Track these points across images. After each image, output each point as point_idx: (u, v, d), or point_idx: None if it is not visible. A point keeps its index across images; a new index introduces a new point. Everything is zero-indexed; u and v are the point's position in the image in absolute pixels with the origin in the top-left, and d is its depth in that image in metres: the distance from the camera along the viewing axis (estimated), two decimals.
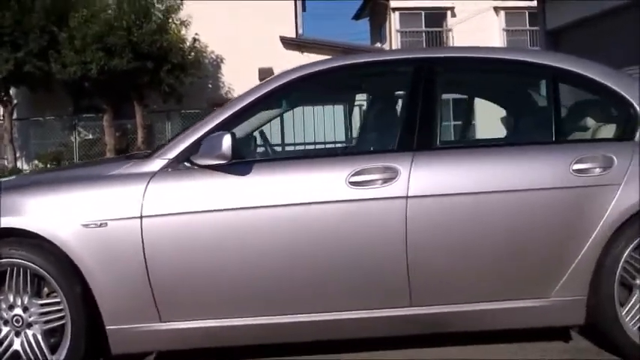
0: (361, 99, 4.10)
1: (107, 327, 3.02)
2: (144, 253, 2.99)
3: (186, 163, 3.10)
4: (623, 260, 3.12)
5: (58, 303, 3.03)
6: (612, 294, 3.12)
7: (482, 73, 3.67)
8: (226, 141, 2.95)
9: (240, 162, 3.06)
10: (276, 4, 17.58)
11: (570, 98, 3.60)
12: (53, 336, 3.07)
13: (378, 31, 28.72)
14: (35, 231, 3.00)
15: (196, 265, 3.03)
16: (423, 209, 3.05)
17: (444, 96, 3.59)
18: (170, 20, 14.98)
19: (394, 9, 25.50)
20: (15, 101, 15.84)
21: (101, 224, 3.00)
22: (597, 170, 3.13)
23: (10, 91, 15.76)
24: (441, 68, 3.38)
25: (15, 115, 16.44)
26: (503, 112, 3.97)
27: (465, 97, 3.97)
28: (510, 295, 3.14)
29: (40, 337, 3.04)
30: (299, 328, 3.11)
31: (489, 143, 3.47)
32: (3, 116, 15.53)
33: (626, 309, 3.17)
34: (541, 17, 12.05)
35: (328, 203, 3.04)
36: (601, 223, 3.09)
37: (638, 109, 3.29)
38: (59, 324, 3.04)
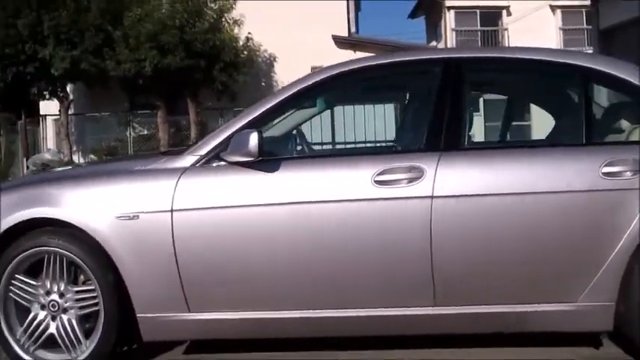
0: (395, 98, 4.10)
1: (138, 315, 3.12)
2: (174, 246, 3.08)
3: (217, 160, 3.17)
4: None
5: (92, 290, 3.15)
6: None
7: (511, 74, 3.64)
8: (253, 139, 3.02)
9: (269, 159, 3.12)
10: (329, 4, 17.64)
11: (606, 100, 3.53)
12: (87, 322, 3.19)
13: (433, 29, 28.49)
14: (71, 221, 3.13)
15: (223, 258, 3.11)
16: (448, 209, 3.05)
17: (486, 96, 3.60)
18: (223, 19, 15.20)
19: (449, 7, 25.26)
20: (71, 97, 16.34)
21: (133, 217, 3.10)
22: (628, 174, 3.07)
23: (68, 88, 16.26)
24: (469, 68, 3.37)
25: (72, 111, 16.96)
26: (539, 115, 3.92)
27: (501, 97, 3.94)
28: (536, 298, 3.10)
29: (74, 322, 3.17)
30: (325, 324, 3.16)
31: (517, 144, 3.44)
32: (60, 111, 16.02)
33: None
34: (594, 16, 11.82)
35: (353, 201, 3.07)
36: (631, 227, 3.02)
37: None
38: (93, 310, 3.16)
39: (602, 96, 3.30)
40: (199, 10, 14.54)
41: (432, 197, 3.04)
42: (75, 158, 16.42)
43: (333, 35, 17.28)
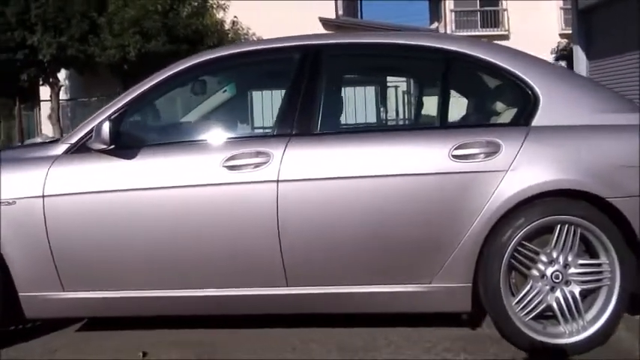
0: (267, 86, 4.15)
1: (20, 294, 3.30)
2: (46, 229, 3.25)
3: (84, 149, 3.32)
4: (511, 249, 3.10)
5: None
6: (497, 283, 3.10)
7: (371, 59, 3.66)
8: (105, 128, 3.19)
9: (129, 146, 3.28)
10: None
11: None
12: None
13: (435, 11, 28.30)
14: None
15: (89, 241, 3.29)
16: (293, 193, 3.13)
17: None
18: (207, 4, 15.21)
19: None
20: (61, 83, 16.51)
21: (12, 202, 3.28)
22: (481, 156, 3.09)
23: (60, 75, 16.42)
24: (328, 55, 3.42)
25: (67, 96, 17.14)
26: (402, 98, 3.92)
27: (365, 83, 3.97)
28: (389, 279, 3.17)
29: None
30: (185, 303, 3.31)
31: (370, 128, 3.45)
32: (50, 97, 16.21)
33: (518, 299, 3.13)
34: None
35: (204, 186, 3.20)
36: (483, 210, 3.06)
37: (538, 93, 3.21)
38: None
39: (468, 79, 3.29)
40: None
41: (277, 181, 3.10)
42: None
43: (320, 17, 17.24)
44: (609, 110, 3.24)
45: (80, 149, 3.33)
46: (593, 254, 3.15)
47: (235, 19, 15.94)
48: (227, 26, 15.95)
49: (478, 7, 24.78)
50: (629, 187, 3.06)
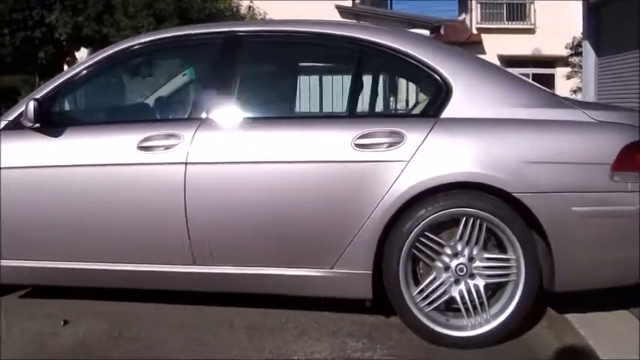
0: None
1: None
2: None
3: (20, 126, 3.45)
4: (412, 239, 3.10)
5: None
6: (396, 272, 3.12)
7: (285, 47, 3.68)
8: (30, 107, 3.32)
9: (58, 125, 3.42)
10: None
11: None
12: None
13: (464, 2, 27.94)
14: None
15: (22, 212, 3.43)
16: (200, 175, 3.19)
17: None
18: None
19: None
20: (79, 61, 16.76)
21: None
22: (384, 146, 3.10)
23: (80, 53, 16.65)
24: (247, 42, 3.46)
25: None
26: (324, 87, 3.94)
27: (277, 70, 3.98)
28: (293, 262, 3.21)
29: None
30: (103, 276, 3.44)
31: (282, 115, 3.49)
32: None
33: (419, 289, 3.15)
34: None
35: (119, 165, 3.29)
36: (382, 200, 3.08)
37: (451, 85, 3.20)
38: None
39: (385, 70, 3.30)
40: None
41: (185, 163, 3.17)
42: None
43: (336, 5, 17.20)
44: (525, 105, 3.21)
45: (17, 126, 3.46)
46: (503, 249, 3.14)
47: (251, 3, 15.98)
48: (243, 11, 16.00)
49: (505, 0, 24.42)
50: (538, 183, 3.04)
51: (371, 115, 3.54)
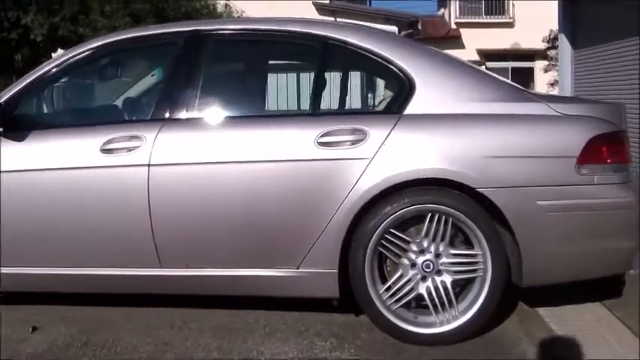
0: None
1: None
2: None
3: None
4: (377, 237, 3.09)
5: None
6: (362, 270, 3.10)
7: (247, 45, 3.66)
8: None
9: (21, 129, 3.39)
10: None
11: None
12: None
13: None
14: None
15: (9, 220, 3.37)
16: (163, 177, 3.17)
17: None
18: None
19: None
20: None
21: None
22: (347, 144, 3.08)
23: (55, 55, 16.51)
24: (203, 41, 3.44)
25: None
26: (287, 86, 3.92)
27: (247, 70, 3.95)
28: (259, 263, 3.19)
29: None
30: (68, 280, 3.41)
31: (245, 114, 3.45)
32: None
33: (386, 287, 3.13)
34: None
35: (83, 169, 3.27)
36: (346, 198, 3.06)
37: (414, 80, 3.18)
38: None
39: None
40: None
41: (148, 165, 3.13)
42: None
43: (313, 2, 17.16)
44: (489, 99, 3.20)
45: None
46: (471, 244, 3.13)
47: (228, 2, 15.91)
48: (220, 9, 15.93)
49: None
50: (502, 178, 3.03)
51: (335, 112, 3.51)
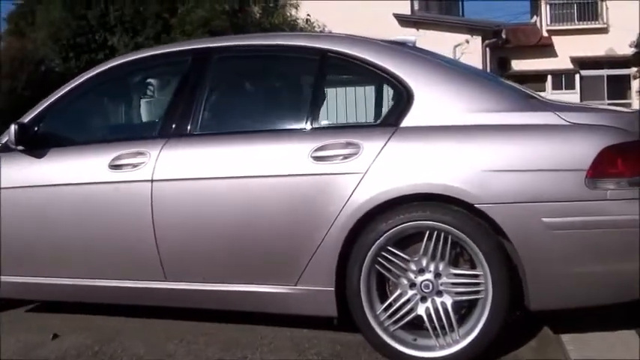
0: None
1: None
2: None
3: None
4: (372, 255, 2.99)
5: None
6: (357, 289, 3.02)
7: (247, 61, 3.66)
8: (12, 130, 3.50)
9: (42, 147, 3.59)
10: None
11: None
12: None
13: (535, 4, 27.22)
14: None
15: (18, 230, 3.60)
16: (165, 192, 3.26)
17: None
18: (278, 3, 15.47)
19: None
20: None
21: None
22: (339, 158, 3.02)
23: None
24: (213, 58, 3.50)
25: None
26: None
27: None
28: (258, 279, 3.18)
29: None
30: (82, 291, 3.55)
31: (242, 130, 3.44)
32: None
33: (383, 307, 3.03)
34: None
35: (93, 184, 3.42)
36: (339, 213, 2.99)
37: (413, 92, 3.09)
38: None
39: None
40: None
41: (152, 181, 3.22)
42: None
43: (394, 14, 17.08)
44: (492, 109, 3.04)
45: (6, 148, 3.65)
46: (474, 264, 2.98)
47: (308, 16, 16.09)
48: (300, 24, 16.13)
49: (574, 0, 23.57)
50: (504, 193, 2.87)
51: (331, 126, 3.46)
